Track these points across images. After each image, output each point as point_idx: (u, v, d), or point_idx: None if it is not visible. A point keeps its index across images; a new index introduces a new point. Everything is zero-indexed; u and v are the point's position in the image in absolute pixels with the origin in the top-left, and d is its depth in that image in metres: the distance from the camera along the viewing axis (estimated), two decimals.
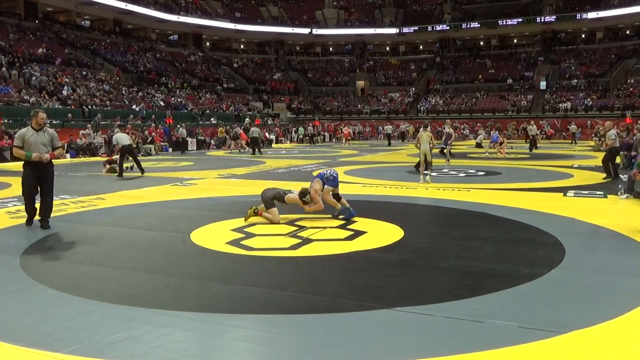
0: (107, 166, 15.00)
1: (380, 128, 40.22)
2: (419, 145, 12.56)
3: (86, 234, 6.83)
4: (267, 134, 33.03)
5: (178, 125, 27.45)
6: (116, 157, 14.69)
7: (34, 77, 28.56)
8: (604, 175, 12.50)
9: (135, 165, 14.45)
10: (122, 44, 43.41)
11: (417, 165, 13.38)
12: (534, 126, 26.12)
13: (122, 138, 14.24)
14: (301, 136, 35.30)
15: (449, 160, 16.69)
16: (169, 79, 41.23)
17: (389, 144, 31.52)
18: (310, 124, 38.30)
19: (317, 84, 53.37)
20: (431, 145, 12.62)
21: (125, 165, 14.51)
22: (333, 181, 7.66)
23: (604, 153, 13.27)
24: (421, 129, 13.13)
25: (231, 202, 9.37)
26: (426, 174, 11.93)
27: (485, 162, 18.01)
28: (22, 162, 7.13)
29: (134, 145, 17.70)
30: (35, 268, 5.13)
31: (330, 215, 7.63)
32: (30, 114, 7.29)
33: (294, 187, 8.13)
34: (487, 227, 6.96)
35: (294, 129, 37.28)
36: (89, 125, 23.92)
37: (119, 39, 44.19)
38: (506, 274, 4.81)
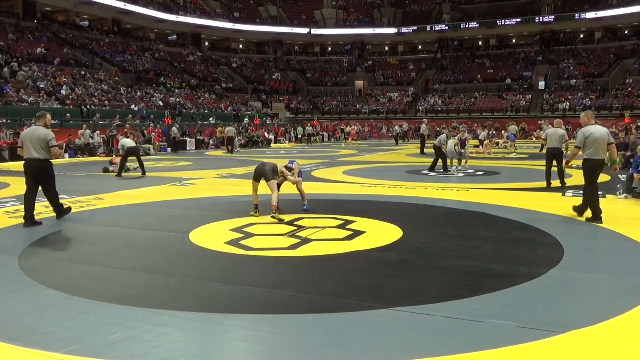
0: (111, 168, 15.11)
1: (393, 128, 40.02)
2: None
3: (85, 234, 6.83)
4: (266, 134, 33.10)
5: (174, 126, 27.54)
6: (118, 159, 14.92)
7: (29, 79, 28.53)
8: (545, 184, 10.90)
9: (135, 167, 14.60)
10: (121, 44, 43.37)
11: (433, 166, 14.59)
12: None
13: (127, 142, 14.58)
14: (300, 136, 35.33)
15: (466, 162, 16.00)
16: (168, 79, 41.20)
17: (397, 144, 31.55)
18: (309, 124, 38.27)
19: (316, 84, 53.36)
20: (456, 147, 14.47)
21: (133, 165, 14.76)
22: (301, 174, 8.57)
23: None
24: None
25: (230, 202, 9.36)
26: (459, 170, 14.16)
27: (484, 162, 18.01)
28: (48, 163, 7.38)
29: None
30: (35, 268, 5.12)
31: (328, 215, 7.66)
32: (36, 115, 7.77)
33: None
34: (486, 227, 6.97)
35: (292, 128, 37.30)
36: (84, 125, 23.91)
37: (118, 38, 44.15)
38: (505, 273, 4.81)
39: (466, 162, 15.86)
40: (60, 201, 7.72)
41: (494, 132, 30.52)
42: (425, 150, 21.96)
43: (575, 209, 7.63)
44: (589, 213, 7.38)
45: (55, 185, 7.53)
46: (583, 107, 40.66)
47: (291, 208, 8.15)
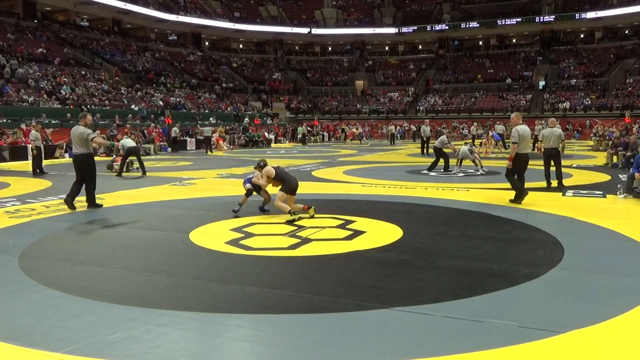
0: (115, 167, 15.19)
1: (388, 127, 40.01)
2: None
3: (85, 234, 6.83)
4: (266, 134, 33.10)
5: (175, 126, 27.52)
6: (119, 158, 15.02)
7: (31, 79, 28.54)
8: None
9: (136, 167, 14.67)
10: (121, 44, 43.36)
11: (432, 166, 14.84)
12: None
13: (127, 142, 14.65)
14: (300, 136, 35.30)
15: (482, 167, 14.93)
16: (168, 79, 41.19)
17: (393, 143, 31.69)
18: (305, 123, 38.24)
19: (316, 84, 53.37)
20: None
21: (134, 165, 14.83)
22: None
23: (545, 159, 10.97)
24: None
25: (230, 202, 9.34)
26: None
27: (484, 162, 17.98)
28: (89, 156, 8.56)
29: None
30: (34, 268, 5.12)
31: (328, 215, 7.66)
32: (79, 116, 9.19)
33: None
34: (486, 226, 6.96)
35: (290, 129, 37.24)
36: None
37: (118, 38, 44.16)
38: (505, 273, 4.81)
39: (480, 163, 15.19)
40: (77, 199, 8.55)
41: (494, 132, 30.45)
42: (427, 151, 21.92)
43: (512, 200, 8.75)
44: (511, 195, 8.81)
45: (95, 179, 8.66)
46: (583, 107, 40.75)
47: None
